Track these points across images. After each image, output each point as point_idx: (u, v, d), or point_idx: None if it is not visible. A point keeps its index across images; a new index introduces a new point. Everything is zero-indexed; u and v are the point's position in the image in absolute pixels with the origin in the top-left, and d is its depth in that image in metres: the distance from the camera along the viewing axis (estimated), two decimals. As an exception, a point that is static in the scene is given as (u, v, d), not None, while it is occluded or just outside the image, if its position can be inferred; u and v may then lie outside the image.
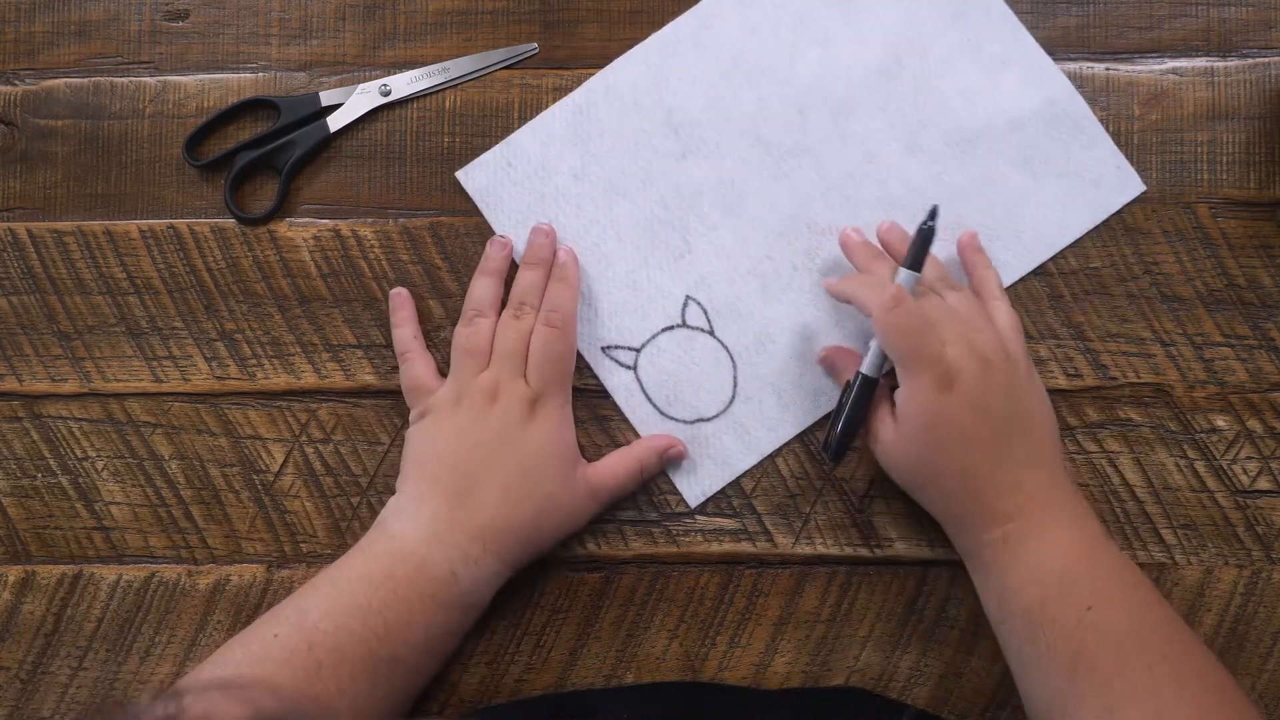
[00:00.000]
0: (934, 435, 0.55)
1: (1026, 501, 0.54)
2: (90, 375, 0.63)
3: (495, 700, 0.60)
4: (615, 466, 0.60)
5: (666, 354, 0.61)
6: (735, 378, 0.61)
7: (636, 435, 0.61)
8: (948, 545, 0.60)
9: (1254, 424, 0.60)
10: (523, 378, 0.58)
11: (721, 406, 0.61)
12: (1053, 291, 0.61)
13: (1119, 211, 0.61)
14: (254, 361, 0.62)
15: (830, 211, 0.61)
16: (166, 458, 0.62)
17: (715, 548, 0.61)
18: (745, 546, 0.61)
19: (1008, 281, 0.61)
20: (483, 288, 0.60)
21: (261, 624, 0.55)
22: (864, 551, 0.61)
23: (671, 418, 0.61)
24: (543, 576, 0.61)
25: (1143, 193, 0.61)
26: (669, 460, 0.61)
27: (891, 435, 0.56)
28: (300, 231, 0.63)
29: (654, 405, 0.61)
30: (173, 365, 0.63)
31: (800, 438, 0.61)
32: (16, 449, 0.63)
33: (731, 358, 0.61)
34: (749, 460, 0.61)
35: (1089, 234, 0.61)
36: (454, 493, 0.57)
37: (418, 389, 0.60)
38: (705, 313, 0.61)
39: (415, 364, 0.60)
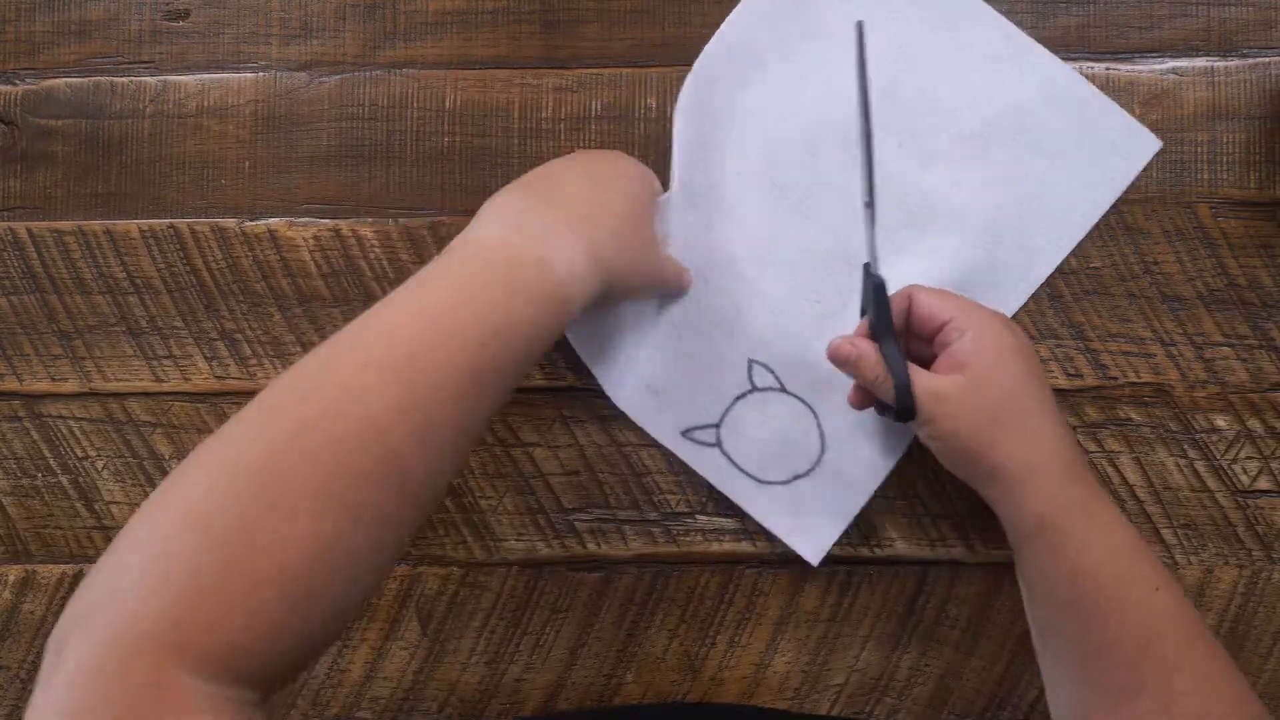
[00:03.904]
0: (1018, 366, 0.52)
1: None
2: (90, 375, 0.63)
3: (495, 699, 0.60)
4: (670, 265, 0.59)
5: (746, 422, 0.60)
6: (819, 426, 0.60)
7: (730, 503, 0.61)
8: (948, 545, 0.60)
9: (1254, 424, 0.60)
10: None
11: (814, 458, 0.60)
12: (1053, 291, 0.61)
13: (1119, 212, 0.61)
14: (254, 361, 0.62)
15: (861, 238, 0.60)
16: (166, 457, 0.62)
17: (715, 548, 0.61)
18: (745, 546, 0.61)
19: (1050, 267, 0.60)
20: None
21: (345, 347, 0.45)
22: (864, 551, 0.61)
23: (769, 482, 0.60)
24: (542, 576, 0.61)
25: (1147, 167, 0.61)
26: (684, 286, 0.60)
27: (956, 387, 0.52)
28: (300, 231, 0.63)
29: (748, 475, 0.60)
30: (173, 365, 0.63)
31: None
32: (16, 449, 0.63)
33: (810, 408, 0.60)
34: (856, 503, 0.60)
35: (1089, 234, 0.61)
36: (539, 192, 0.53)
37: None
38: (771, 371, 0.60)
39: None
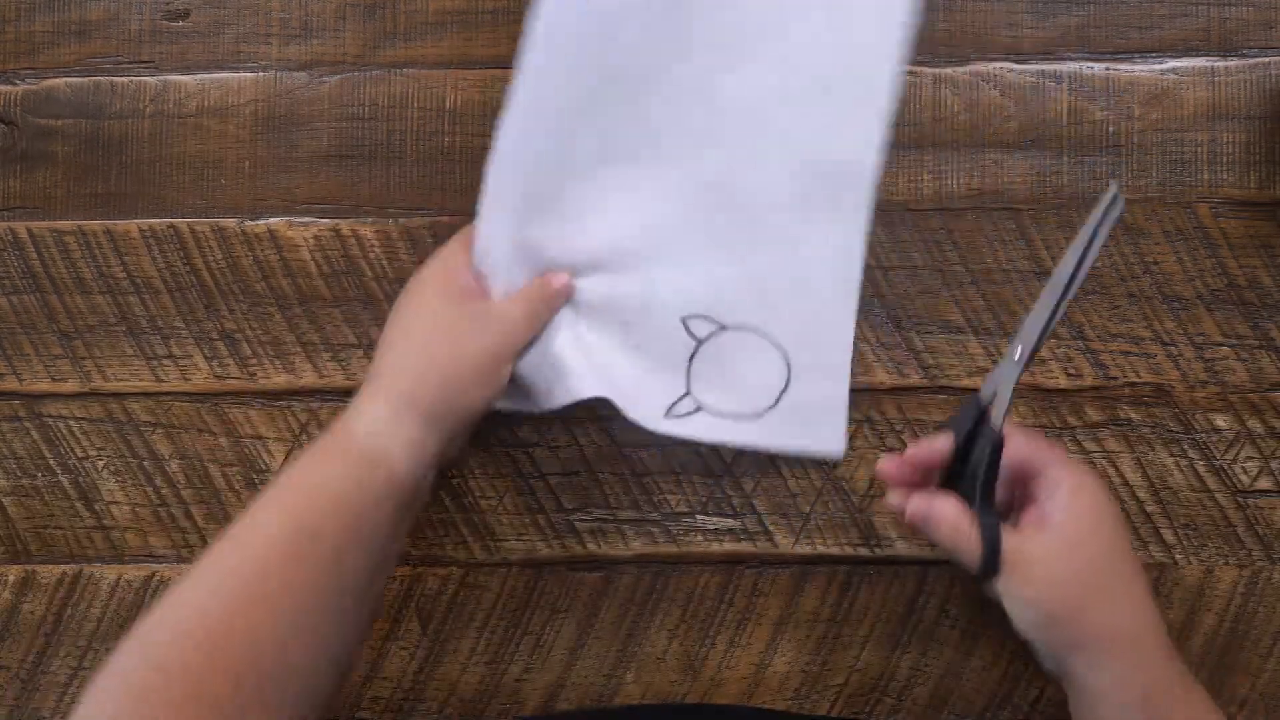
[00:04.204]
0: (1113, 529, 0.50)
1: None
2: (90, 375, 0.63)
3: (495, 699, 0.60)
4: (513, 305, 0.57)
5: (710, 374, 0.60)
6: (772, 341, 0.60)
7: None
8: (948, 545, 0.60)
9: (1254, 424, 0.60)
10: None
11: (784, 370, 0.60)
12: (1053, 291, 0.61)
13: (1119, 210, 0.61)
14: (254, 361, 0.62)
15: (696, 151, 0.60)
16: (166, 457, 0.62)
17: (715, 548, 0.61)
18: (745, 546, 0.61)
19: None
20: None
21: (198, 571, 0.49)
22: (864, 551, 0.61)
23: (760, 412, 0.60)
24: (542, 576, 0.61)
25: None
26: (561, 295, 0.58)
27: (1048, 549, 0.49)
28: (300, 231, 0.63)
29: (739, 418, 0.60)
30: (173, 365, 0.63)
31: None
32: (16, 449, 0.63)
33: (755, 330, 0.60)
34: (843, 382, 0.60)
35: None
36: (372, 366, 0.55)
37: None
38: (705, 317, 0.60)
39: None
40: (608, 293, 0.60)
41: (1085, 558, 0.49)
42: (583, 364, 0.59)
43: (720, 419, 0.60)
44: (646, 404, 0.59)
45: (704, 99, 0.59)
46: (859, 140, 0.59)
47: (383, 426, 0.52)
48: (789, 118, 0.59)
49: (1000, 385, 0.50)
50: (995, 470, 0.50)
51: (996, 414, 0.50)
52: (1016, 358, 0.50)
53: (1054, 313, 0.49)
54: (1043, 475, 0.51)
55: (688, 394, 0.60)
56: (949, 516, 0.50)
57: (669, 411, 0.60)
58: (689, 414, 0.60)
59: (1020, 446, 0.51)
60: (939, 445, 0.51)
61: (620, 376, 0.59)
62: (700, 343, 0.60)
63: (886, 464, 0.52)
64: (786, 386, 0.60)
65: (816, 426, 0.60)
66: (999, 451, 0.50)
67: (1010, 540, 0.49)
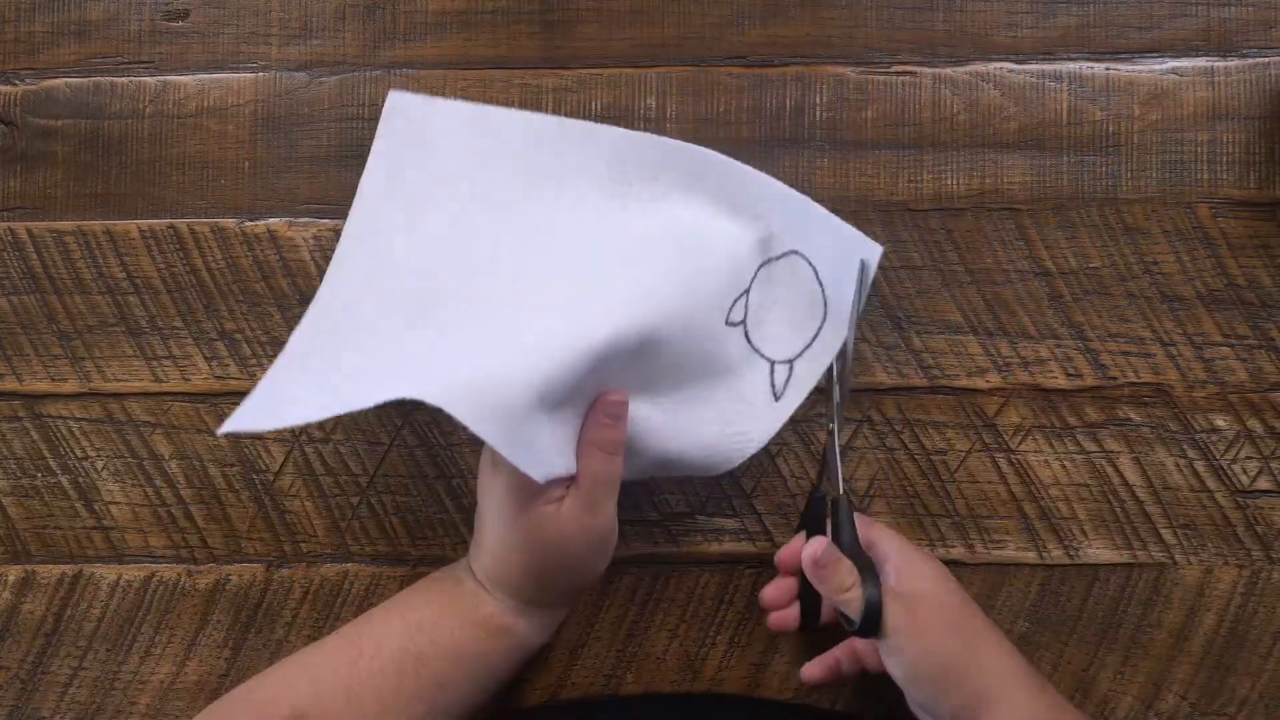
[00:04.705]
0: (957, 587, 0.55)
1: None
2: (90, 375, 0.63)
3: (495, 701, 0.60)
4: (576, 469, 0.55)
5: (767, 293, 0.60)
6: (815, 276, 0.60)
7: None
8: (948, 545, 0.60)
9: (1254, 424, 0.60)
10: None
11: (810, 331, 0.60)
12: (1053, 291, 0.61)
13: (1119, 211, 0.61)
14: (254, 361, 0.62)
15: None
16: (166, 457, 0.62)
17: (715, 548, 0.61)
18: (745, 546, 0.61)
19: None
20: None
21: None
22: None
23: (783, 392, 0.60)
24: (543, 576, 0.61)
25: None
26: (615, 417, 0.55)
27: (922, 602, 0.53)
28: (300, 231, 0.63)
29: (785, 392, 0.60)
30: (173, 365, 0.63)
31: (801, 438, 0.61)
32: (16, 449, 0.63)
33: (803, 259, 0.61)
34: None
35: (1089, 233, 0.61)
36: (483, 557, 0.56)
37: None
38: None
39: None
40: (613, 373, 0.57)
41: (953, 611, 0.54)
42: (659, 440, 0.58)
43: (781, 398, 0.60)
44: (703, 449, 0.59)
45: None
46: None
47: (511, 610, 0.55)
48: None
49: (828, 455, 0.58)
50: (851, 527, 0.55)
51: (835, 481, 0.57)
52: (830, 428, 0.59)
53: (843, 376, 0.58)
54: (879, 549, 0.56)
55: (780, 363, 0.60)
56: (846, 562, 0.53)
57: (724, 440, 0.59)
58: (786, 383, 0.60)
59: (872, 535, 0.56)
60: (794, 542, 0.58)
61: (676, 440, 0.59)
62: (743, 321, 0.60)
63: (768, 589, 0.59)
64: (811, 341, 0.60)
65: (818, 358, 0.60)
66: (849, 510, 0.56)
67: (895, 597, 0.52)
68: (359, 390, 0.51)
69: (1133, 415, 0.61)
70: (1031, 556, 0.60)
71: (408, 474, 0.62)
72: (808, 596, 0.58)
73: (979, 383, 0.61)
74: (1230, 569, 0.60)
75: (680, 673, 0.61)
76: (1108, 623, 0.60)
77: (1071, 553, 0.60)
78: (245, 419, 0.52)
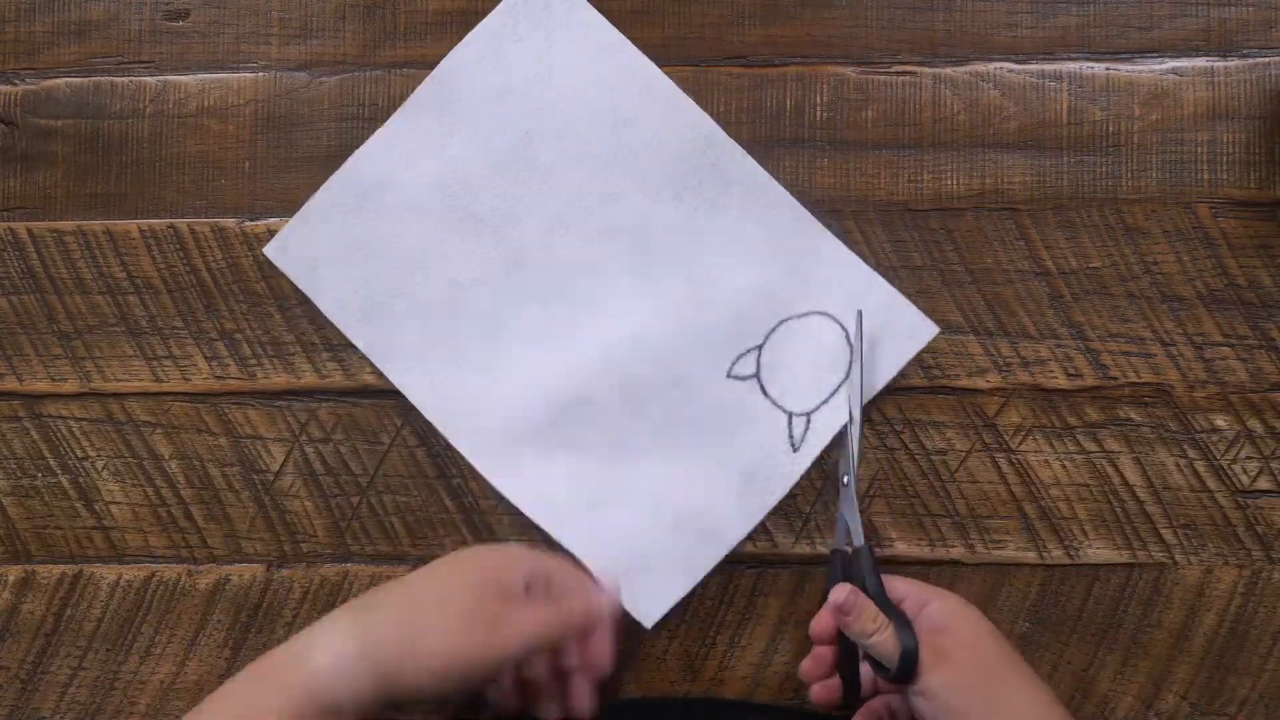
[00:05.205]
0: (989, 626, 0.55)
1: None
2: (90, 375, 0.63)
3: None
4: (525, 624, 0.53)
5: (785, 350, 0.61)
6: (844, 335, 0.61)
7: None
8: (948, 545, 0.60)
9: (1254, 424, 0.60)
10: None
11: (837, 373, 0.61)
12: (1053, 291, 0.61)
13: (1119, 212, 0.61)
14: (254, 361, 0.62)
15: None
16: (166, 457, 0.62)
17: (715, 548, 0.61)
18: (745, 546, 0.61)
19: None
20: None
21: None
22: (864, 551, 0.61)
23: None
24: (543, 576, 0.61)
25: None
26: (602, 615, 0.56)
27: (953, 643, 0.53)
28: (300, 231, 0.63)
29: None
30: (173, 365, 0.63)
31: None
32: (16, 449, 0.63)
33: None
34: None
35: (1089, 233, 0.61)
36: (362, 600, 0.54)
37: None
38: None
39: None
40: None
41: (984, 651, 0.54)
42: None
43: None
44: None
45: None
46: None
47: (346, 667, 0.49)
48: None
49: (845, 511, 0.58)
50: (877, 575, 0.56)
51: (855, 533, 0.58)
52: (845, 482, 0.59)
53: (858, 430, 0.59)
54: (909, 598, 0.56)
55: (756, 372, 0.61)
56: (871, 606, 0.54)
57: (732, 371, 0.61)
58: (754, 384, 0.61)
59: (896, 586, 0.57)
60: (822, 613, 0.57)
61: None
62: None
63: (806, 662, 0.57)
64: (833, 391, 0.61)
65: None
66: (872, 559, 0.56)
67: (925, 636, 0.53)
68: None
69: (1133, 415, 0.61)
70: (1031, 556, 0.60)
71: (408, 474, 0.62)
72: (847, 667, 0.57)
73: (979, 383, 0.61)
74: (1230, 569, 0.60)
75: (680, 673, 0.61)
76: (1108, 623, 0.60)
77: (1071, 553, 0.60)
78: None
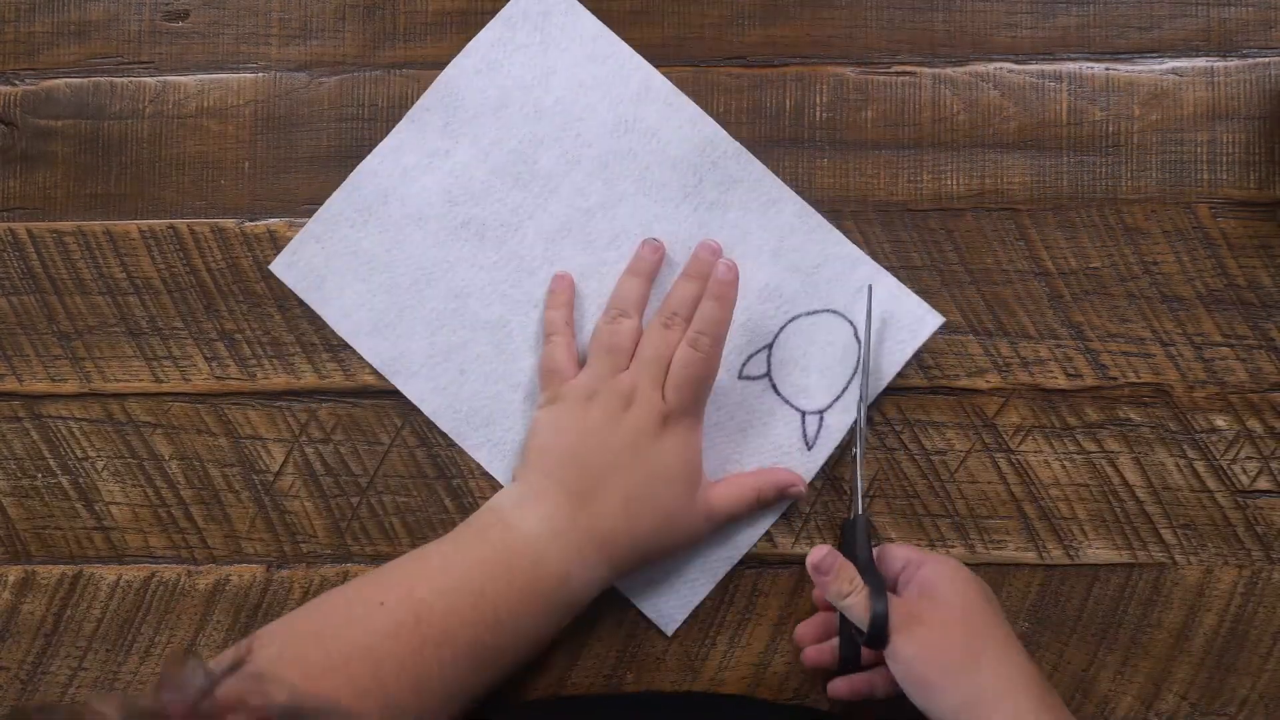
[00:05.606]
0: (981, 595, 0.55)
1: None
2: (90, 375, 0.63)
3: (495, 700, 0.60)
4: (734, 493, 0.59)
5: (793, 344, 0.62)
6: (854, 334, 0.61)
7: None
8: (948, 545, 0.60)
9: (1254, 424, 0.60)
10: (660, 389, 0.57)
11: (841, 383, 0.61)
12: (1053, 291, 0.61)
13: (1119, 211, 0.61)
14: (254, 361, 0.62)
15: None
16: (166, 458, 0.62)
17: (715, 548, 0.61)
18: (745, 546, 0.61)
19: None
20: (629, 287, 0.60)
21: (364, 585, 0.55)
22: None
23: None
24: (543, 576, 0.61)
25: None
26: (787, 498, 0.60)
27: (930, 610, 0.53)
28: (300, 231, 0.63)
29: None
30: (173, 365, 0.63)
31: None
32: (16, 449, 0.63)
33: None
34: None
35: (1089, 233, 0.61)
36: (577, 493, 0.56)
37: (555, 372, 0.59)
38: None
39: (559, 347, 0.59)
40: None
41: (963, 619, 0.53)
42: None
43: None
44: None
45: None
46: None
47: (597, 584, 0.57)
48: None
49: (850, 476, 0.59)
50: (868, 545, 0.57)
51: (854, 501, 0.59)
52: (854, 454, 0.59)
53: (864, 409, 0.59)
54: (908, 564, 0.56)
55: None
56: (850, 568, 0.54)
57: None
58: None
59: (895, 551, 0.57)
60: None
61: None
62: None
63: (801, 625, 0.59)
64: (836, 399, 0.61)
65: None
66: (865, 530, 0.57)
67: (900, 604, 0.53)
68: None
69: (1133, 415, 0.61)
70: (1031, 556, 0.60)
71: (408, 474, 0.62)
72: (847, 637, 0.57)
73: (979, 383, 0.61)
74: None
75: (680, 673, 0.61)
76: (1108, 623, 0.60)
77: (1071, 553, 0.60)
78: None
